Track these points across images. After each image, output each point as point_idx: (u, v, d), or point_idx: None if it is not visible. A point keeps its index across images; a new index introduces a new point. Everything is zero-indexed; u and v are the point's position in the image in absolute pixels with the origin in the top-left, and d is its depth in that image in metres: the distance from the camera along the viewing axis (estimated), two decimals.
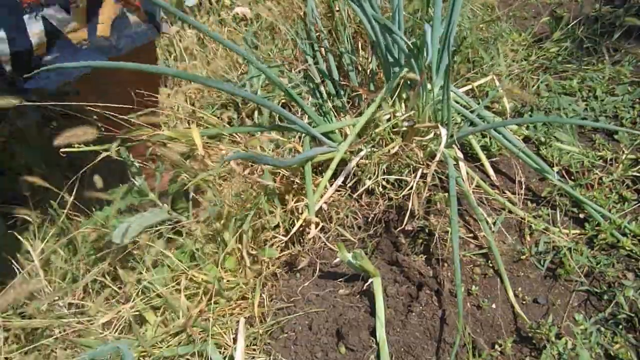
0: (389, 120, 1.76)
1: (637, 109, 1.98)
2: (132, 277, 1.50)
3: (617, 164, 1.76)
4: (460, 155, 1.70)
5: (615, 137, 1.90)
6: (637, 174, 1.72)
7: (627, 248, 1.52)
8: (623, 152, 1.80)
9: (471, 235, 1.66)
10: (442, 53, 1.80)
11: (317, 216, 1.59)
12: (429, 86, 1.75)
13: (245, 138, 1.84)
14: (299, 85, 2.12)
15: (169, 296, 1.44)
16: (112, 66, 1.24)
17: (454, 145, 1.70)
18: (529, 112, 2.04)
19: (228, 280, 1.55)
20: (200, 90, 2.33)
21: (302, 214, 1.61)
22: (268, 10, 2.69)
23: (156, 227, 1.57)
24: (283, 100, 2.17)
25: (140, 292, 1.52)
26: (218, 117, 2.16)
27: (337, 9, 2.35)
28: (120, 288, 1.55)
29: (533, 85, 2.11)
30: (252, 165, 1.71)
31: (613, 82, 2.14)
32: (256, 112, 2.13)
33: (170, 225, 1.59)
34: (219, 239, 1.59)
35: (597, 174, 1.74)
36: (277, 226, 1.65)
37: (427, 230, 1.65)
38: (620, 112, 1.99)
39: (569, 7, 2.68)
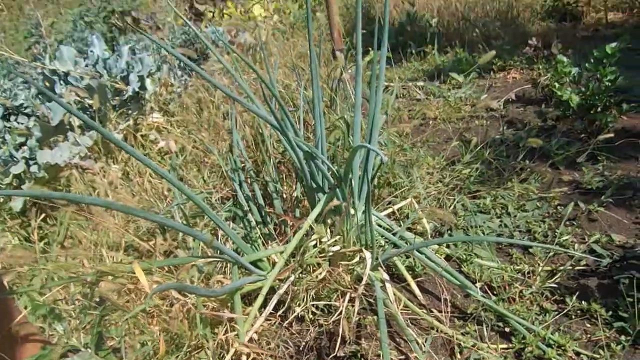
0: (315, 246, 1.79)
1: (547, 223, 2.11)
2: None
3: (534, 277, 1.84)
4: (386, 277, 1.74)
5: (530, 250, 2.00)
6: (554, 285, 1.81)
7: (554, 359, 1.56)
8: (539, 264, 1.89)
9: (403, 357, 1.66)
10: (362, 179, 1.88)
11: (248, 347, 1.56)
12: (352, 211, 1.81)
13: (175, 268, 1.82)
14: (229, 211, 2.15)
15: None
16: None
17: (379, 268, 1.74)
18: (449, 231, 2.13)
19: None
20: (126, 222, 2.31)
21: (232, 345, 1.58)
22: (194, 142, 2.77)
23: None
24: (212, 231, 2.17)
25: None
26: (146, 242, 2.13)
27: (262, 139, 2.44)
28: None
29: (450, 206, 2.23)
30: (183, 297, 1.67)
31: (523, 198, 2.29)
32: (182, 242, 2.12)
33: None
34: None
35: (517, 287, 1.81)
36: None
37: (359, 355, 1.64)
38: (532, 226, 2.11)
39: (476, 131, 2.91)
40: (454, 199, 2.27)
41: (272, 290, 1.75)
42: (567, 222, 2.09)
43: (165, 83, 3.46)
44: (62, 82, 3.06)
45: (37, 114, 2.93)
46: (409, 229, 2.09)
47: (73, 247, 2.32)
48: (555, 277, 1.83)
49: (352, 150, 1.63)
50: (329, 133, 2.34)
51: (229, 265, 1.94)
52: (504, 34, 4.43)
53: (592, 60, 2.76)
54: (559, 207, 2.21)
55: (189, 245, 2.11)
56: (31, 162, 2.59)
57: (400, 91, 3.82)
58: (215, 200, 2.30)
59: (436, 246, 2.01)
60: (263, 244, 2.03)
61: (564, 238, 2.00)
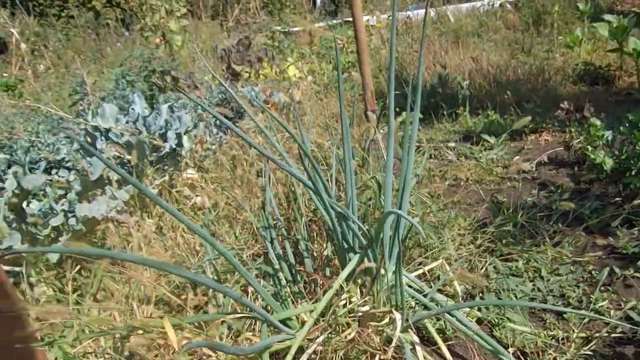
0: (345, 305, 1.79)
1: (582, 288, 2.07)
2: None
3: (569, 343, 1.80)
4: (416, 339, 1.72)
5: (564, 316, 1.96)
6: (590, 353, 1.76)
7: None
8: (573, 330, 1.84)
9: None
10: (393, 239, 1.89)
11: None
12: (382, 271, 1.81)
13: (205, 324, 1.83)
14: (259, 268, 2.17)
15: None
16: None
17: (409, 330, 1.72)
18: (480, 294, 2.11)
19: None
20: (158, 276, 2.34)
21: None
22: (227, 198, 2.82)
23: None
24: (242, 287, 2.19)
25: None
26: (177, 296, 2.15)
27: (295, 197, 2.48)
28: None
29: (481, 268, 2.21)
30: (213, 353, 1.68)
31: (556, 262, 2.26)
32: (213, 298, 2.13)
33: None
34: None
35: (551, 353, 1.77)
36: None
37: None
38: (565, 291, 2.08)
39: (508, 193, 2.90)
40: (486, 261, 2.25)
41: (301, 350, 1.74)
42: (602, 288, 2.05)
43: (201, 140, 3.55)
44: (103, 138, 3.17)
45: (78, 167, 3.03)
46: (439, 291, 2.08)
47: (105, 300, 2.35)
48: (591, 344, 1.79)
49: (383, 215, 1.64)
50: (360, 193, 2.37)
51: (258, 322, 1.94)
52: (535, 97, 4.45)
53: (626, 124, 2.76)
54: (593, 272, 2.17)
55: (219, 301, 2.13)
56: (70, 215, 2.65)
57: (432, 152, 3.85)
58: (247, 257, 2.32)
59: (467, 309, 1.98)
60: (293, 303, 2.03)
61: (600, 304, 1.96)
